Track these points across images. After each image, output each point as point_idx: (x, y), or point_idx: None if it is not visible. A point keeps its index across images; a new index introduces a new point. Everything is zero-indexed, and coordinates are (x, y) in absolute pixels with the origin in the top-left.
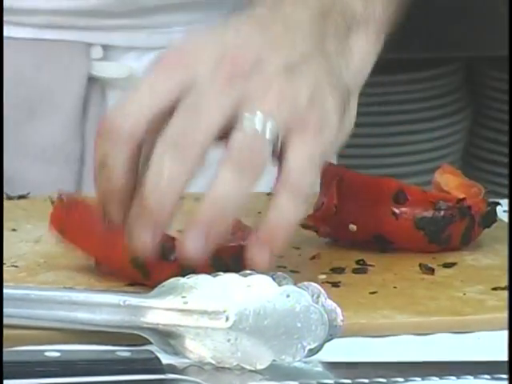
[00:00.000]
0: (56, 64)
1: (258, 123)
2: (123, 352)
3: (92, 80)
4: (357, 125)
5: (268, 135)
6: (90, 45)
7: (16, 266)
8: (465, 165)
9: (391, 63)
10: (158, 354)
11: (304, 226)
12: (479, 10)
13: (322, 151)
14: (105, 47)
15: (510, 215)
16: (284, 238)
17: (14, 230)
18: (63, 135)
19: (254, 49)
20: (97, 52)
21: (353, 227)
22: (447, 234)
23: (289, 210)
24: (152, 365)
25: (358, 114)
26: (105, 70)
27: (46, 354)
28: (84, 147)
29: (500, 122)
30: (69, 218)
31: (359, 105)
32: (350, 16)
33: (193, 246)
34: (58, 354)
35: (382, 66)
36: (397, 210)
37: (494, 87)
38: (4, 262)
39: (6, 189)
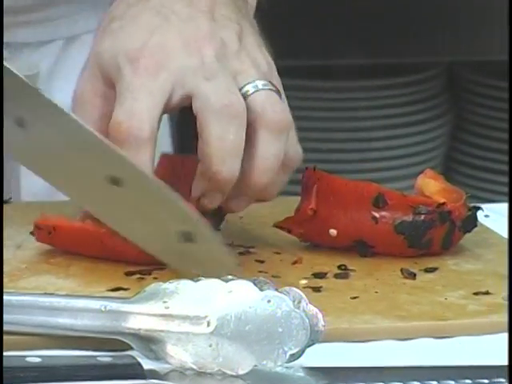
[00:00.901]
0: None
1: (263, 86)
2: (104, 357)
3: None
4: (338, 130)
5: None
6: None
7: None
8: (446, 169)
9: (372, 68)
10: (140, 360)
11: (278, 226)
12: (461, 15)
13: None
14: (6, 45)
15: (509, 219)
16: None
17: None
18: None
19: (210, 31)
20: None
21: (333, 232)
22: (427, 239)
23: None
24: (133, 370)
25: (340, 119)
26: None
27: (27, 359)
28: None
29: (482, 126)
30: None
31: (341, 110)
32: None
33: (240, 207)
34: (38, 360)
35: (364, 72)
36: (376, 215)
37: (476, 92)
38: None
39: None
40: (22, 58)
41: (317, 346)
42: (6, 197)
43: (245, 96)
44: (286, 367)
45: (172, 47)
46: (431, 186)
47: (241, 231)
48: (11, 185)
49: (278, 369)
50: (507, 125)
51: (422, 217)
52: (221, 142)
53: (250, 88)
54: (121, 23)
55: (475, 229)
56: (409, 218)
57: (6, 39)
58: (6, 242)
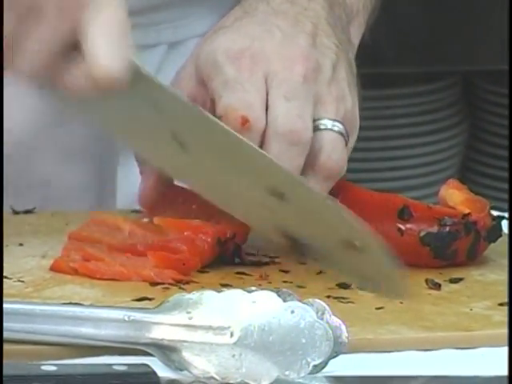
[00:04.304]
0: None
1: (332, 126)
2: (120, 366)
3: None
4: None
5: (342, 137)
6: None
7: (22, 281)
8: (462, 179)
9: (389, 77)
10: (155, 368)
11: None
12: (476, 24)
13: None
14: None
15: (510, 228)
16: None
17: (20, 244)
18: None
19: (307, 53)
20: None
21: None
22: (453, 250)
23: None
24: (148, 379)
25: None
26: None
27: (43, 367)
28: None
29: (497, 135)
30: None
31: None
32: (348, 7)
33: None
34: (54, 368)
35: (380, 81)
36: (402, 227)
37: (491, 101)
38: (10, 276)
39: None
40: None
41: (341, 356)
42: (29, 206)
43: (314, 128)
44: (309, 378)
45: (270, 54)
46: (455, 196)
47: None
48: (105, 191)
49: (301, 380)
50: None
51: (448, 228)
52: None
53: (320, 123)
54: (225, 31)
55: (500, 239)
56: (434, 229)
57: None
58: (30, 252)
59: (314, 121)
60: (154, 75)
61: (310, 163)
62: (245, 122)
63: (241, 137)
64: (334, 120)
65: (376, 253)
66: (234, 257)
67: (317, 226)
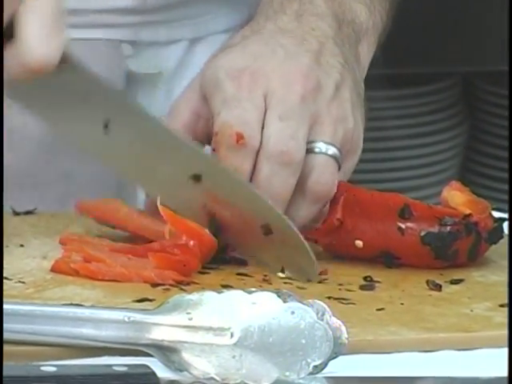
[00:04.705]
0: (97, 62)
1: (326, 150)
2: (120, 367)
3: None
4: None
5: (335, 161)
6: (120, 42)
7: (23, 282)
8: (462, 180)
9: (389, 78)
10: (155, 369)
11: (306, 238)
12: (476, 24)
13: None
14: (132, 43)
15: (510, 229)
16: None
17: (21, 245)
18: None
19: (308, 71)
20: (127, 49)
21: (359, 243)
22: (453, 250)
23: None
24: (148, 380)
25: None
26: (138, 66)
27: (42, 368)
28: None
29: (497, 136)
30: None
31: None
32: (357, 25)
33: None
34: (54, 369)
35: (381, 81)
36: (403, 226)
37: (491, 102)
38: (11, 277)
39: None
40: (147, 56)
41: (341, 357)
42: (29, 207)
43: (307, 150)
44: (309, 379)
45: (270, 72)
46: (457, 197)
47: None
48: (126, 190)
49: (301, 380)
50: None
51: (448, 228)
52: (267, 185)
53: (314, 146)
54: (230, 50)
55: (501, 240)
56: (435, 229)
57: (131, 37)
58: (31, 253)
59: (309, 142)
60: (85, 64)
61: (299, 185)
62: (239, 138)
63: (166, 125)
64: (329, 143)
65: (290, 235)
66: (219, 253)
67: (237, 209)
